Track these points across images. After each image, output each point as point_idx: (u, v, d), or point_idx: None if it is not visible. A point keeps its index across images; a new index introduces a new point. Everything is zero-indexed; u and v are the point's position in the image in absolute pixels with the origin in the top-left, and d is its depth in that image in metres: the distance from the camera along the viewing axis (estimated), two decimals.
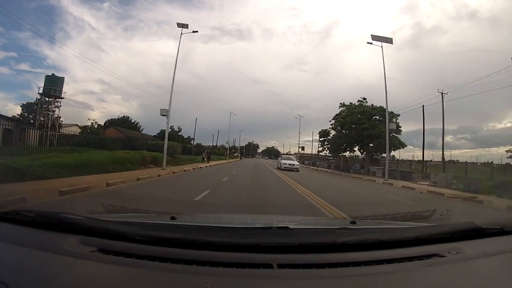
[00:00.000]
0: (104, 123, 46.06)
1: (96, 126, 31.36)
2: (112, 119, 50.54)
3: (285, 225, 1.47)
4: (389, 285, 1.04)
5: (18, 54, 75.88)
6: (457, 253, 1.24)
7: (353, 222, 1.75)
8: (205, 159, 32.70)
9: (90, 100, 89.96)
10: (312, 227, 2.06)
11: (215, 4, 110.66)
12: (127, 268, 1.03)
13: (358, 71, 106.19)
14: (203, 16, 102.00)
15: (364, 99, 31.09)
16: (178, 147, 26.35)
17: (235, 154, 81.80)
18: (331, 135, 34.55)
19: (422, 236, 1.34)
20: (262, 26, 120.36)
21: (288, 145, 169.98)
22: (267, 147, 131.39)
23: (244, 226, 1.84)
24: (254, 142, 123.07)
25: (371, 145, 29.11)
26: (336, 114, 32.18)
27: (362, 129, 28.32)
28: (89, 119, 50.18)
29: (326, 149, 36.66)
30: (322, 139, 36.68)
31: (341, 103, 31.81)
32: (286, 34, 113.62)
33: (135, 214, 2.34)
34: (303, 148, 59.01)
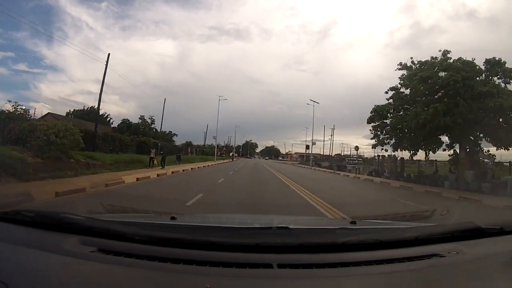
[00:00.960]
0: (67, 114, 37.76)
1: (22, 112, 19.70)
2: (77, 110, 41.71)
3: (285, 225, 1.47)
4: (389, 285, 1.04)
5: (15, 54, 75.52)
6: (457, 253, 1.24)
7: (353, 222, 1.75)
8: (154, 162, 19.69)
9: (88, 100, 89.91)
10: (312, 227, 2.06)
11: (214, 3, 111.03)
12: (127, 268, 1.03)
13: (356, 71, 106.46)
14: (201, 16, 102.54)
15: (447, 52, 15.82)
16: (72, 135, 11.89)
17: (231, 154, 73.07)
18: (389, 118, 17.99)
19: (422, 236, 1.35)
20: (260, 26, 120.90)
21: (289, 144, 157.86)
22: (266, 146, 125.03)
23: (244, 226, 1.84)
24: (252, 141, 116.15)
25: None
26: (402, 76, 17.18)
27: (474, 96, 14.02)
28: (9, 101, 29.81)
29: (385, 142, 18.40)
30: (374, 124, 18.65)
31: (400, 64, 17.13)
32: (284, 34, 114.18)
33: (135, 214, 2.34)
34: (307, 147, 53.69)
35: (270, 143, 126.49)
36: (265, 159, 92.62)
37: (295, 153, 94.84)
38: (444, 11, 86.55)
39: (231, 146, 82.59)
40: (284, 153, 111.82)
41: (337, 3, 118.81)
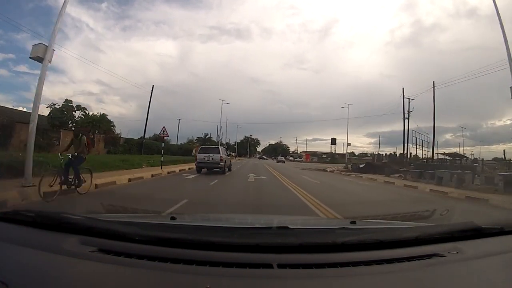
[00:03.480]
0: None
1: None
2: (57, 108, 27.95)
3: (285, 225, 1.47)
4: (389, 285, 1.04)
5: (16, 56, 74.99)
6: (457, 253, 1.24)
7: (353, 222, 1.75)
8: None
9: (89, 101, 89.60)
10: (312, 227, 2.07)
11: (214, 3, 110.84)
12: (127, 268, 1.03)
13: (357, 69, 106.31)
14: (202, 16, 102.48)
15: None
16: None
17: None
18: None
19: (422, 236, 1.34)
20: (261, 25, 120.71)
21: (292, 142, 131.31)
22: (269, 144, 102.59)
23: (244, 226, 1.83)
24: (252, 136, 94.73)
25: None
26: None
27: None
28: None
29: None
30: None
31: None
32: (285, 33, 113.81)
33: (135, 214, 2.35)
34: (333, 142, 45.78)
35: (269, 142, 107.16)
36: (278, 161, 54.97)
37: (303, 151, 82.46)
38: (445, 9, 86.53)
39: (220, 141, 52.26)
40: (292, 151, 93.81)
41: (337, 2, 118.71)
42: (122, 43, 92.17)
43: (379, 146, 52.08)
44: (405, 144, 32.47)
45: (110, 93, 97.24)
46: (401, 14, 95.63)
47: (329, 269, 1.07)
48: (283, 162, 52.25)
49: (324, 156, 71.55)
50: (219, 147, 19.08)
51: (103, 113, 30.02)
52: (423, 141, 33.49)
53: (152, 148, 32.23)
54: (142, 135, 37.95)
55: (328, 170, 28.08)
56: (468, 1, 76.61)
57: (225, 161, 17.22)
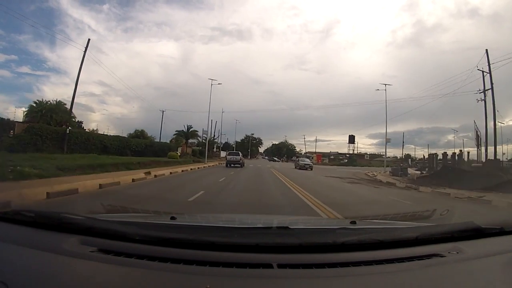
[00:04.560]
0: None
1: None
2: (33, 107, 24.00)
3: (285, 225, 1.47)
4: (389, 285, 1.04)
5: (18, 57, 74.51)
6: (457, 253, 1.24)
7: (353, 222, 1.74)
8: None
9: (91, 102, 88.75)
10: (312, 227, 2.07)
11: (215, 4, 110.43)
12: (127, 268, 1.03)
13: (358, 70, 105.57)
14: (203, 17, 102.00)
15: None
16: None
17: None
18: None
19: (422, 236, 1.35)
20: (262, 26, 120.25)
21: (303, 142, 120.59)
22: (273, 143, 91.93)
23: (244, 226, 1.83)
24: (253, 135, 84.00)
25: None
26: None
27: None
28: None
29: None
30: None
31: None
32: (286, 33, 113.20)
33: (135, 214, 2.35)
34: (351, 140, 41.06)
35: (272, 142, 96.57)
36: (301, 166, 29.17)
37: (308, 152, 74.57)
38: (447, 8, 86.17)
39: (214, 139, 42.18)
40: (297, 151, 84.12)
41: (339, 2, 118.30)
42: (124, 44, 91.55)
43: (402, 146, 47.94)
44: (495, 138, 20.96)
45: (112, 94, 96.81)
46: (403, 14, 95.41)
47: (329, 269, 1.07)
48: (310, 168, 29.05)
49: (332, 157, 69.26)
50: (239, 152, 31.67)
51: (60, 101, 23.45)
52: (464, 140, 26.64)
53: (92, 143, 22.57)
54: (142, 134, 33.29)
55: (387, 182, 16.84)
56: (470, 0, 76.32)
57: (242, 160, 28.32)
